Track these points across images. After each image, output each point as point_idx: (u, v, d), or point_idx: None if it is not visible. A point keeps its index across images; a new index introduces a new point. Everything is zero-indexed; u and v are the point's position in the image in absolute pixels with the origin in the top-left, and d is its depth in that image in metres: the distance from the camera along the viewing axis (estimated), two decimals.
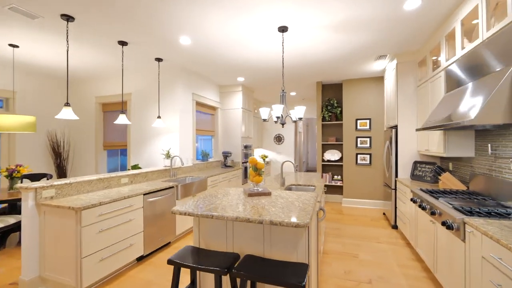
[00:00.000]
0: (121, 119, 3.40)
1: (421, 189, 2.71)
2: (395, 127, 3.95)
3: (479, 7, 2.06)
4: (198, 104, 5.02)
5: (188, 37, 3.15)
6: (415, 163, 3.55)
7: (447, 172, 2.88)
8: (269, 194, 1.99)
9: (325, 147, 5.59)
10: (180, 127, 4.31)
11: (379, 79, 4.97)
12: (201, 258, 1.49)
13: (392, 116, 3.98)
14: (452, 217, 1.88)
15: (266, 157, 7.64)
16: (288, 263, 1.44)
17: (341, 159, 5.43)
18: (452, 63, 2.52)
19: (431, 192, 2.54)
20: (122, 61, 3.51)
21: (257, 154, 7.86)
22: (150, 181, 3.51)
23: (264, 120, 3.03)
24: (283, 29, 2.88)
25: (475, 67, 2.18)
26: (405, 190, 3.24)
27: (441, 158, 3.43)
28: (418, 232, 2.73)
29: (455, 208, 1.97)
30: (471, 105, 1.90)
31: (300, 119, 2.84)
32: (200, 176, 4.08)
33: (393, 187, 3.80)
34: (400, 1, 2.35)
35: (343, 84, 5.20)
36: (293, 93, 6.60)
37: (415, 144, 3.64)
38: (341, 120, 5.34)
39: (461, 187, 2.74)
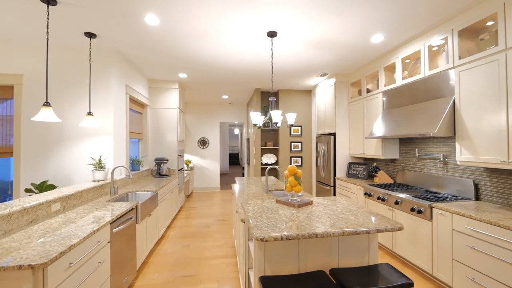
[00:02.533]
0: (44, 115, 2.26)
1: (372, 185, 3.44)
2: (333, 134, 4.74)
3: (421, 52, 2.89)
4: (131, 99, 4.04)
5: (158, 18, 2.53)
6: (349, 164, 4.41)
7: (381, 170, 3.79)
8: (311, 203, 1.95)
9: (262, 152, 5.87)
10: (115, 128, 3.33)
11: (308, 92, 5.77)
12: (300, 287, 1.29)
13: (329, 124, 4.75)
14: (419, 204, 2.54)
15: (190, 162, 7.08)
16: (368, 267, 1.50)
17: (276, 163, 5.86)
18: (390, 89, 3.37)
19: (385, 187, 3.27)
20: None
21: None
22: (89, 203, 2.52)
23: (255, 125, 2.88)
24: (272, 34, 2.86)
25: (409, 94, 3.03)
26: (349, 186, 3.96)
27: (373, 159, 4.45)
28: None
29: (416, 197, 2.66)
30: (427, 122, 2.63)
31: (292, 125, 2.91)
32: (148, 190, 3.31)
33: (331, 184, 4.54)
34: (370, 35, 2.91)
35: (280, 93, 5.67)
36: (225, 96, 6.49)
37: (347, 148, 4.52)
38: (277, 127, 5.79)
39: (390, 181, 3.69)
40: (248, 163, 7.13)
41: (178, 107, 4.96)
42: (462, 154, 2.41)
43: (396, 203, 2.85)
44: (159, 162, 4.59)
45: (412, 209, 2.61)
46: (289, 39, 3.01)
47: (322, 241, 1.61)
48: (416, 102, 2.98)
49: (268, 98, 5.95)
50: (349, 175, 4.36)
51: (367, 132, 3.94)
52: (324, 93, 4.94)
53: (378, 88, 3.76)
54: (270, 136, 5.97)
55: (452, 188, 2.76)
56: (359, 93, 4.35)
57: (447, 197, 2.59)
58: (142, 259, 2.79)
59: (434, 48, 2.85)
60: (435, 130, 2.44)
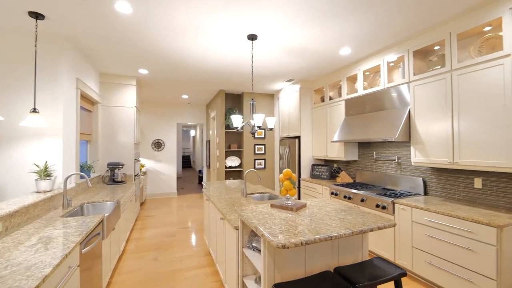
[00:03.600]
0: None
1: (337, 184, 3.73)
2: (298, 137, 4.96)
3: (380, 66, 3.28)
4: (81, 96, 3.48)
5: (131, 6, 2.26)
6: (313, 165, 4.70)
7: (343, 171, 4.14)
8: (305, 205, 1.99)
9: (225, 154, 5.76)
10: (65, 129, 2.82)
11: (271, 96, 5.92)
12: None
13: (293, 128, 4.96)
14: (383, 200, 2.87)
15: (143, 166, 6.50)
16: (365, 262, 1.63)
17: (240, 165, 5.83)
18: (352, 97, 3.74)
19: (348, 186, 3.58)
20: None
21: None
22: (38, 220, 2.07)
23: (236, 128, 2.81)
24: (252, 37, 2.85)
25: (370, 103, 3.42)
26: (315, 186, 4.22)
27: (335, 161, 4.80)
28: None
29: (379, 194, 3.00)
30: (388, 129, 2.99)
31: (271, 129, 2.94)
32: (108, 200, 2.90)
33: (296, 185, 4.74)
34: (340, 47, 3.17)
35: (244, 95, 5.67)
36: (185, 96, 6.16)
37: (311, 151, 4.81)
38: (241, 129, 5.77)
39: (351, 180, 4.07)
40: (209, 166, 6.91)
41: (135, 106, 4.49)
42: (416, 156, 2.82)
43: (362, 200, 3.16)
44: (114, 167, 4.06)
45: (377, 206, 2.94)
46: (268, 43, 3.05)
47: (326, 243, 1.67)
48: (376, 110, 3.37)
49: (232, 100, 5.89)
50: (313, 176, 4.64)
51: (330, 136, 4.26)
52: (289, 98, 5.15)
53: (340, 96, 4.11)
54: (234, 138, 5.91)
55: (405, 185, 3.21)
56: (322, 99, 4.68)
57: (403, 193, 3.00)
58: (107, 279, 2.42)
59: (391, 64, 3.28)
60: (396, 136, 2.80)
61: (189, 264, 3.00)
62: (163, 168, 6.97)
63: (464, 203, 2.54)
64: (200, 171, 9.18)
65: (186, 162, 16.01)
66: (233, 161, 5.75)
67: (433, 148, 2.64)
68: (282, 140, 5.35)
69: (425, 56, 2.95)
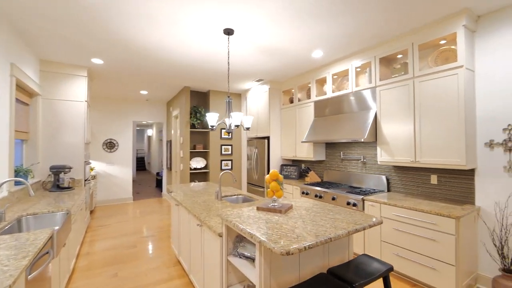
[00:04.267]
0: None
1: (307, 184, 3.81)
2: (267, 138, 4.94)
3: (349, 71, 3.46)
4: (17, 85, 2.88)
5: None
6: (282, 165, 4.73)
7: (312, 171, 4.26)
8: (292, 206, 1.93)
9: (190, 155, 5.44)
10: None
11: (237, 95, 5.81)
12: None
13: (262, 128, 4.93)
14: (353, 198, 3.02)
15: (93, 169, 5.79)
16: (353, 261, 1.66)
17: (206, 167, 5.57)
18: (322, 99, 3.87)
19: (317, 185, 3.68)
20: None
21: None
22: None
23: (212, 128, 2.63)
24: (229, 32, 2.72)
25: (338, 105, 3.59)
26: (285, 186, 4.25)
27: (304, 161, 4.89)
28: None
29: (349, 192, 3.15)
30: (357, 130, 3.16)
31: (248, 128, 2.83)
32: (54, 211, 2.43)
33: (283, 186, 4.73)
34: (312, 49, 3.24)
35: (210, 94, 5.44)
36: (144, 92, 5.64)
37: (279, 151, 4.84)
38: (208, 129, 5.52)
39: (319, 179, 4.21)
40: (170, 168, 6.45)
41: (86, 100, 3.91)
42: (382, 156, 3.03)
43: (333, 199, 3.27)
44: (58, 171, 3.46)
45: (348, 203, 3.07)
46: (243, 40, 2.95)
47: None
48: (345, 112, 3.54)
49: (197, 98, 5.60)
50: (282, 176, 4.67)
51: (300, 136, 4.35)
52: (258, 98, 5.11)
53: (309, 98, 4.22)
54: (200, 138, 5.63)
55: (370, 183, 3.43)
56: (290, 101, 4.76)
57: (369, 191, 3.19)
58: None
59: (358, 69, 3.48)
60: (365, 136, 2.97)
61: (156, 277, 2.70)
62: (117, 171, 6.27)
63: (422, 197, 2.81)
64: (159, 174, 8.54)
65: (140, 164, 14.82)
66: (198, 163, 5.47)
67: (398, 148, 2.86)
68: (250, 140, 5.29)
69: (389, 63, 3.20)
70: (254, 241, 1.35)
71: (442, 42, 2.64)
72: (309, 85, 4.38)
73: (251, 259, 1.68)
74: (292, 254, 1.18)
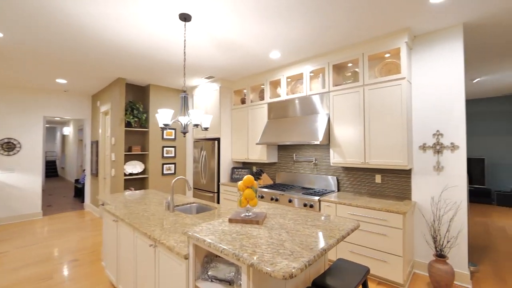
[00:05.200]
0: None
1: (261, 187, 3.72)
2: (217, 139, 4.64)
3: (303, 75, 3.53)
4: None
5: None
6: (233, 168, 4.52)
7: (265, 173, 4.19)
8: (266, 215, 1.74)
9: (125, 158, 4.66)
10: None
11: (180, 92, 5.30)
12: None
13: (212, 129, 4.61)
14: (310, 199, 3.07)
15: None
16: (333, 268, 1.61)
17: (144, 171, 4.87)
18: (276, 101, 3.86)
19: (272, 188, 3.63)
20: None
21: None
22: None
23: (164, 127, 2.22)
24: (185, 18, 2.38)
25: (293, 108, 3.64)
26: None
27: (254, 163, 4.76)
28: None
29: (305, 194, 3.19)
30: (312, 132, 3.23)
31: (206, 129, 2.52)
32: None
33: (215, 190, 4.44)
34: (271, 49, 3.17)
35: (150, 88, 4.80)
36: (62, 80, 4.55)
37: (230, 153, 4.62)
38: (147, 128, 4.84)
39: (271, 182, 4.18)
40: (96, 174, 5.41)
41: None
42: (334, 158, 3.18)
43: (290, 201, 3.26)
44: None
45: (305, 205, 3.10)
46: (200, 29, 2.64)
47: None
48: (299, 115, 3.60)
49: (135, 93, 4.85)
50: (233, 179, 4.47)
51: (252, 138, 4.24)
52: (207, 96, 4.77)
53: (263, 99, 4.16)
54: (137, 139, 4.88)
55: (321, 184, 3.57)
56: (242, 101, 4.60)
57: (321, 191, 3.31)
58: None
59: (311, 74, 3.59)
60: (320, 139, 3.05)
61: None
62: (18, 179, 4.87)
63: (369, 196, 3.06)
64: (79, 181, 7.11)
65: (51, 169, 12.16)
66: (134, 167, 4.73)
67: (349, 150, 3.05)
68: (197, 142, 4.88)
69: (340, 71, 3.40)
70: (243, 264, 1.12)
71: (387, 55, 2.94)
72: (262, 86, 4.32)
73: (226, 282, 1.43)
74: (295, 276, 1.00)
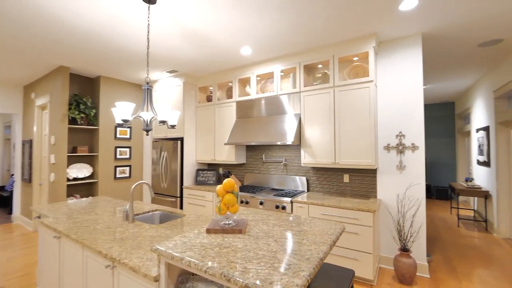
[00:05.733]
0: None
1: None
2: (180, 139, 4.27)
3: (274, 74, 3.46)
4: None
5: None
6: (198, 170, 4.22)
7: (232, 175, 4.00)
8: (247, 222, 1.55)
9: (68, 161, 3.98)
10: None
11: (137, 86, 4.79)
12: None
13: (175, 128, 4.24)
14: (282, 201, 2.99)
15: None
16: (319, 273, 1.53)
17: (92, 175, 4.24)
18: (245, 100, 3.71)
19: (241, 190, 3.47)
20: None
21: None
22: None
23: (123, 123, 1.89)
24: (150, 0, 2.08)
25: (263, 107, 3.55)
26: (203, 194, 3.79)
27: (220, 164, 4.50)
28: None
29: (277, 195, 3.11)
30: (283, 133, 3.17)
31: (173, 126, 2.24)
32: None
33: (177, 195, 4.08)
34: (242, 45, 3.02)
35: (101, 81, 4.20)
36: None
37: (194, 154, 4.31)
38: (96, 125, 4.22)
39: (239, 183, 4.01)
40: (29, 180, 4.53)
41: None
42: (305, 158, 3.17)
43: (261, 203, 3.14)
44: None
45: (277, 207, 3.02)
46: (166, 14, 2.35)
47: None
48: (270, 114, 3.51)
49: (81, 85, 4.19)
50: (198, 182, 4.18)
51: (219, 138, 4.01)
52: (168, 92, 4.37)
53: (231, 98, 3.97)
54: (83, 138, 4.22)
55: (291, 185, 3.54)
56: (208, 99, 4.34)
57: (292, 192, 3.28)
58: None
59: (281, 74, 3.54)
60: (292, 139, 3.01)
61: None
62: None
63: (338, 195, 3.12)
64: (5, 188, 5.91)
65: None
66: (80, 171, 4.09)
67: (320, 151, 3.06)
68: (156, 142, 4.45)
69: (311, 72, 3.41)
70: (233, 285, 0.94)
71: (355, 58, 3.04)
72: (230, 84, 4.13)
73: None
74: None
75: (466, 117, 5.90)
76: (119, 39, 2.84)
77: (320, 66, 3.34)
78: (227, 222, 1.49)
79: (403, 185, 2.80)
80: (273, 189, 3.56)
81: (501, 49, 3.20)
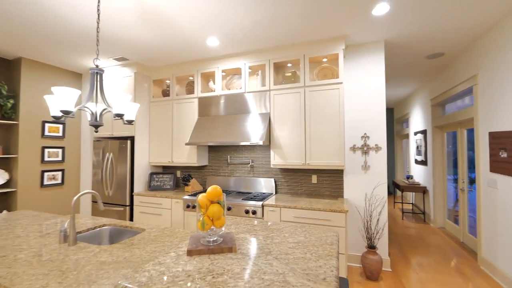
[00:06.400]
0: None
1: (191, 195, 3.18)
2: (131, 138, 3.68)
3: (242, 70, 3.25)
4: None
5: None
6: (151, 174, 3.71)
7: (193, 178, 3.63)
8: (234, 237, 1.29)
9: None
10: None
11: (77, 75, 4.00)
12: None
13: (123, 126, 3.64)
14: (252, 205, 2.81)
15: None
16: None
17: (9, 183, 3.32)
18: (209, 96, 3.41)
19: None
20: None
21: None
22: None
23: (63, 117, 1.43)
24: None
25: (230, 104, 3.31)
26: (160, 201, 3.33)
27: (178, 167, 4.02)
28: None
29: (246, 199, 2.91)
30: (253, 132, 2.99)
31: (131, 122, 1.82)
32: None
33: (127, 203, 3.51)
34: (208, 35, 2.73)
35: (23, 63, 3.33)
36: None
37: (147, 156, 3.78)
38: (15, 120, 3.32)
39: (201, 188, 3.67)
40: None
41: None
42: (275, 159, 3.05)
43: (229, 209, 2.89)
44: None
45: (247, 211, 2.81)
46: None
47: None
48: (237, 113, 3.28)
49: (5, 67, 3.25)
50: (152, 188, 3.67)
51: (178, 137, 3.60)
52: (116, 84, 3.73)
53: (192, 93, 3.60)
54: None
55: (258, 187, 3.38)
56: (164, 93, 3.86)
57: (260, 195, 3.12)
58: None
59: (248, 71, 3.35)
60: (263, 139, 2.85)
61: None
62: None
63: (307, 196, 3.09)
64: None
65: None
66: None
67: (290, 152, 2.97)
68: (98, 141, 3.76)
69: (280, 70, 3.31)
70: None
71: (324, 60, 3.05)
72: (191, 78, 3.76)
73: None
74: None
75: (404, 122, 6.69)
76: (53, 8, 2.24)
77: (289, 65, 3.27)
78: (211, 240, 1.22)
79: (368, 184, 2.91)
80: (240, 193, 3.34)
81: (441, 62, 3.66)
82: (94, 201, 3.78)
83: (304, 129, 2.91)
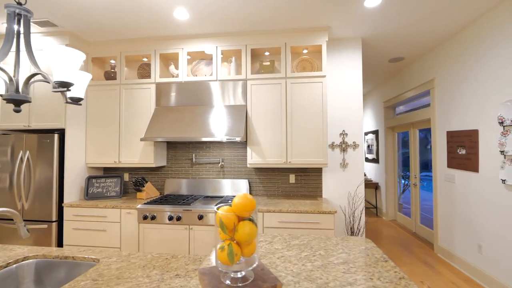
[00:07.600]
0: None
1: (148, 203, 2.55)
2: (59, 131, 2.75)
3: (214, 54, 2.78)
4: None
5: None
6: (89, 179, 2.87)
7: (148, 182, 2.95)
8: (269, 270, 0.88)
9: None
10: None
11: None
12: None
13: (47, 115, 2.70)
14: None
15: None
16: None
17: None
18: (171, 82, 2.83)
19: (163, 203, 2.58)
20: None
21: None
22: None
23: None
24: None
25: (197, 94, 2.82)
26: (105, 213, 2.58)
27: (127, 168, 3.22)
28: (162, 239, 2.50)
29: (218, 204, 2.47)
30: (228, 127, 2.57)
31: (79, 100, 1.21)
32: None
33: (52, 219, 2.62)
34: (174, 5, 2.22)
35: None
36: None
37: (84, 155, 2.93)
38: None
39: (157, 193, 3.03)
40: None
41: None
42: (252, 158, 2.70)
43: (200, 218, 2.41)
44: None
45: (200, 217, 2.38)
46: None
47: None
48: (206, 104, 2.80)
49: None
50: (92, 195, 2.84)
51: (129, 132, 2.88)
52: (38, 58, 2.75)
53: (148, 77, 2.94)
54: None
55: (229, 190, 2.97)
56: (107, 76, 3.06)
57: (231, 198, 2.73)
58: None
59: (220, 56, 2.91)
60: (242, 135, 2.47)
61: None
62: None
63: (285, 197, 2.85)
64: None
65: None
66: None
67: (270, 149, 2.68)
68: (5, 135, 2.72)
69: (257, 58, 2.98)
70: None
71: (305, 51, 2.86)
72: (145, 59, 3.08)
73: None
74: None
75: None
76: None
77: (267, 53, 2.96)
78: (239, 276, 0.81)
79: (347, 182, 2.85)
80: (208, 197, 2.87)
81: (398, 67, 3.94)
82: (4, 218, 2.72)
83: (286, 124, 2.66)
